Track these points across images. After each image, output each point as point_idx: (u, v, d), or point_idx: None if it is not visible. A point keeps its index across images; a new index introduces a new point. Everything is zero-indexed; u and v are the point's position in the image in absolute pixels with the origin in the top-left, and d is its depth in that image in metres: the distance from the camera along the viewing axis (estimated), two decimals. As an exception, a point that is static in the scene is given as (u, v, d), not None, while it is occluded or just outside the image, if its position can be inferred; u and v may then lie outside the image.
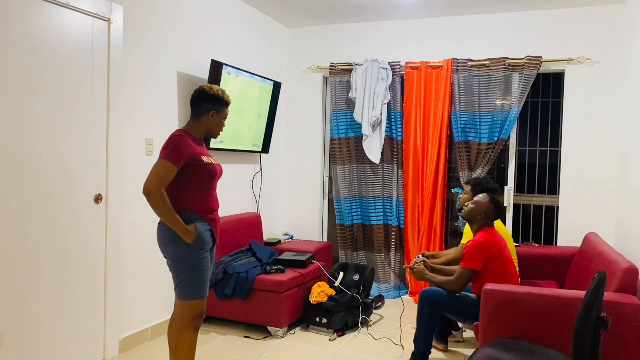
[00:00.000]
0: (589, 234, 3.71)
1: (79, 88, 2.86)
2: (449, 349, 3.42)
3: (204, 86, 2.52)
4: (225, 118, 2.57)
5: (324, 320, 3.68)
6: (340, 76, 4.89)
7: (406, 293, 4.74)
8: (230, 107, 2.61)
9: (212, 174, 2.46)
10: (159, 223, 2.41)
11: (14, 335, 2.55)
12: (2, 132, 2.46)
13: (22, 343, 2.59)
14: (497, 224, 3.41)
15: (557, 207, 4.41)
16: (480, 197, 3.11)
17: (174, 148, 2.32)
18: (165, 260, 2.44)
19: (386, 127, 4.70)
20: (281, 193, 5.22)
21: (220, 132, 2.60)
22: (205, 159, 2.45)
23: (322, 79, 5.11)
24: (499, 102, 4.43)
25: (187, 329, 2.42)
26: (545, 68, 4.32)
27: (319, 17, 4.78)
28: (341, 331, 3.67)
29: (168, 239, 2.37)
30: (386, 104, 4.66)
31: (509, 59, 4.35)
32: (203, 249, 2.40)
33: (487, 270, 2.93)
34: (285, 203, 5.24)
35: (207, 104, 2.48)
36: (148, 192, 2.26)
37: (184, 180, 2.38)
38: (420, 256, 3.49)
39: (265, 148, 4.62)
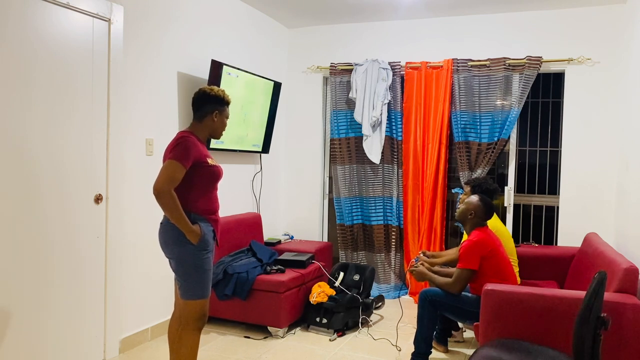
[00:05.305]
0: (589, 234, 3.71)
1: (79, 88, 2.86)
2: (449, 349, 3.42)
3: (204, 88, 2.54)
4: (227, 117, 2.60)
5: (324, 320, 3.68)
6: (340, 76, 4.89)
7: (406, 293, 4.74)
8: (230, 108, 2.62)
9: (215, 176, 2.49)
10: (161, 223, 2.42)
11: (14, 335, 2.55)
12: (1, 132, 2.46)
13: (22, 343, 2.59)
14: (497, 224, 3.42)
15: (557, 207, 4.41)
16: (471, 197, 3.15)
17: (183, 149, 2.34)
18: (168, 260, 2.44)
19: (386, 127, 4.70)
20: (281, 193, 5.22)
21: (223, 132, 2.63)
22: (209, 160, 2.47)
23: (322, 79, 5.11)
24: (499, 102, 4.43)
25: (191, 328, 2.43)
26: (545, 68, 4.32)
27: (319, 17, 4.78)
28: (341, 331, 3.67)
29: (172, 239, 2.37)
30: (386, 104, 4.66)
31: (509, 59, 4.35)
32: (206, 249, 2.42)
33: (483, 270, 2.94)
34: (285, 203, 5.25)
35: (209, 105, 2.51)
36: (158, 192, 2.27)
37: (189, 181, 2.39)
38: (421, 254, 3.49)
39: (265, 148, 4.62)
